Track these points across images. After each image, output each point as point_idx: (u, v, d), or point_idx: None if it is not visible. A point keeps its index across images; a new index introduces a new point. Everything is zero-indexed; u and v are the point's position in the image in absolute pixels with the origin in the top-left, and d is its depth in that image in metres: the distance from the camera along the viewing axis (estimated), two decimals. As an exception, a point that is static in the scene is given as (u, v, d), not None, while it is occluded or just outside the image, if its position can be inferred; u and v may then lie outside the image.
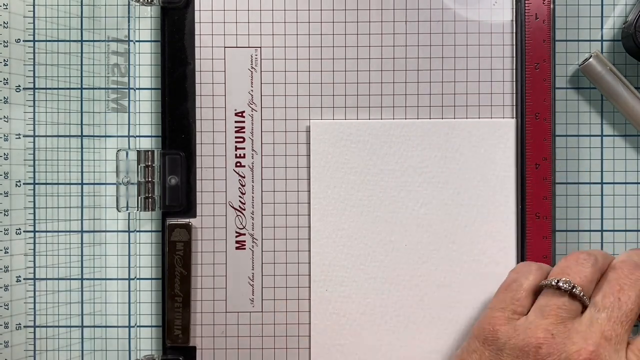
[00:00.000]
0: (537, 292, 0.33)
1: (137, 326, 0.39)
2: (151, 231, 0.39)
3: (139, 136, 0.39)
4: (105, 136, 0.39)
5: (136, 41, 0.39)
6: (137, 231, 0.39)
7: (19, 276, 0.39)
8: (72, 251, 0.39)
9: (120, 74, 0.39)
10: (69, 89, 0.39)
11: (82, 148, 0.39)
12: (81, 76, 0.39)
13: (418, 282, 0.38)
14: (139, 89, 0.39)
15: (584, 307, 0.32)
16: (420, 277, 0.38)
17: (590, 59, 0.37)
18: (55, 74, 0.39)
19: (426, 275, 0.38)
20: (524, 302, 0.33)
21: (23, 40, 0.39)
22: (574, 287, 0.32)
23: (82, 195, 0.39)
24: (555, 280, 0.32)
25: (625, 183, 0.39)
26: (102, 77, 0.39)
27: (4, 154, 0.39)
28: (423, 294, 0.38)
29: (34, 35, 0.39)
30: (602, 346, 0.30)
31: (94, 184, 0.39)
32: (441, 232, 0.38)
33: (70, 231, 0.39)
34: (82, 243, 0.39)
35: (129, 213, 0.39)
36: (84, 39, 0.39)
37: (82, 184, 0.39)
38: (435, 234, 0.38)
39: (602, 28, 0.39)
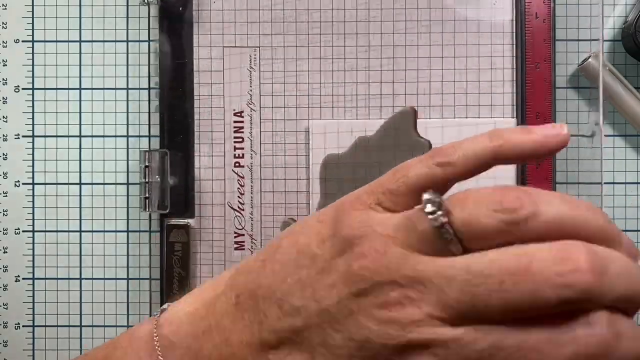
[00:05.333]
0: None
1: (136, 326, 0.39)
2: (150, 231, 0.39)
3: (139, 136, 0.39)
4: (105, 136, 0.39)
5: (136, 41, 0.39)
6: (136, 231, 0.39)
7: (18, 276, 0.39)
8: (71, 251, 0.39)
9: (120, 74, 0.39)
10: (69, 89, 0.39)
11: (80, 148, 0.39)
12: (80, 76, 0.39)
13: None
14: (139, 89, 0.39)
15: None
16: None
17: (590, 59, 0.37)
18: (55, 74, 0.39)
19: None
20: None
21: (22, 41, 0.39)
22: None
23: (80, 196, 0.39)
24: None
25: (625, 183, 0.39)
26: (102, 77, 0.39)
27: (3, 154, 0.39)
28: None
29: (32, 35, 0.39)
30: None
31: (93, 184, 0.39)
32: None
33: (69, 231, 0.39)
34: (81, 243, 0.39)
35: (128, 213, 0.39)
36: (83, 39, 0.39)
37: (81, 184, 0.39)
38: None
39: (602, 28, 0.39)
